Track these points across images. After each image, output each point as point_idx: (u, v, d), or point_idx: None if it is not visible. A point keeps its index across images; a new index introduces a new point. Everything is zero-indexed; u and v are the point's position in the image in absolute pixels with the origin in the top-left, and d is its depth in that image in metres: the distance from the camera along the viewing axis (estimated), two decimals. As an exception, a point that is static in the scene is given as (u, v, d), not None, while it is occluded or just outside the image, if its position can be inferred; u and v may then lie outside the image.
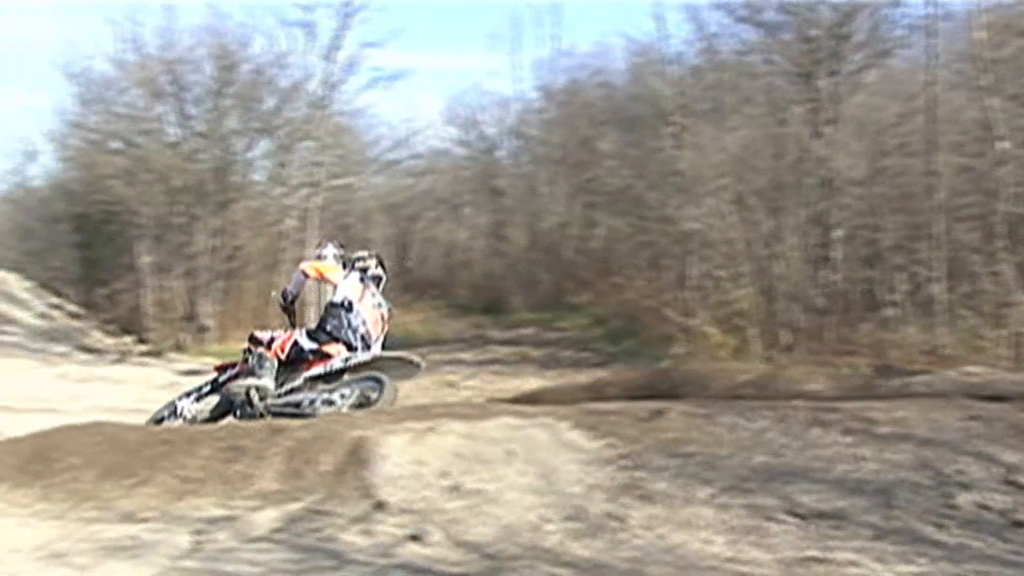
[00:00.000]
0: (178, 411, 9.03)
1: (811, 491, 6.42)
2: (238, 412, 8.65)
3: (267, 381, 8.57)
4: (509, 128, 31.62)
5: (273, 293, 9.71)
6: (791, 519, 6.11)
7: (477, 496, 6.44)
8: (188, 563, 5.61)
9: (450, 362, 18.82)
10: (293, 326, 9.08)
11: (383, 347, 9.01)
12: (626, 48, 27.20)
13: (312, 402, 8.40)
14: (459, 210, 32.29)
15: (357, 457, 6.88)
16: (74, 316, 24.44)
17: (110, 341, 22.85)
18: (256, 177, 24.35)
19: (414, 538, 5.91)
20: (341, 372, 8.58)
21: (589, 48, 34.40)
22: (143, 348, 21.89)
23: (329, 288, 9.15)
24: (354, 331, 8.74)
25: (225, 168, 22.96)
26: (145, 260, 23.65)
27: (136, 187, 22.99)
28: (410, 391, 9.90)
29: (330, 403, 8.38)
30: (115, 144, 24.05)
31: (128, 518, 6.33)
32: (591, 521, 6.14)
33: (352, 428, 7.31)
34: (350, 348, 8.67)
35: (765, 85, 19.50)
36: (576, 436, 7.34)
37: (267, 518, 6.23)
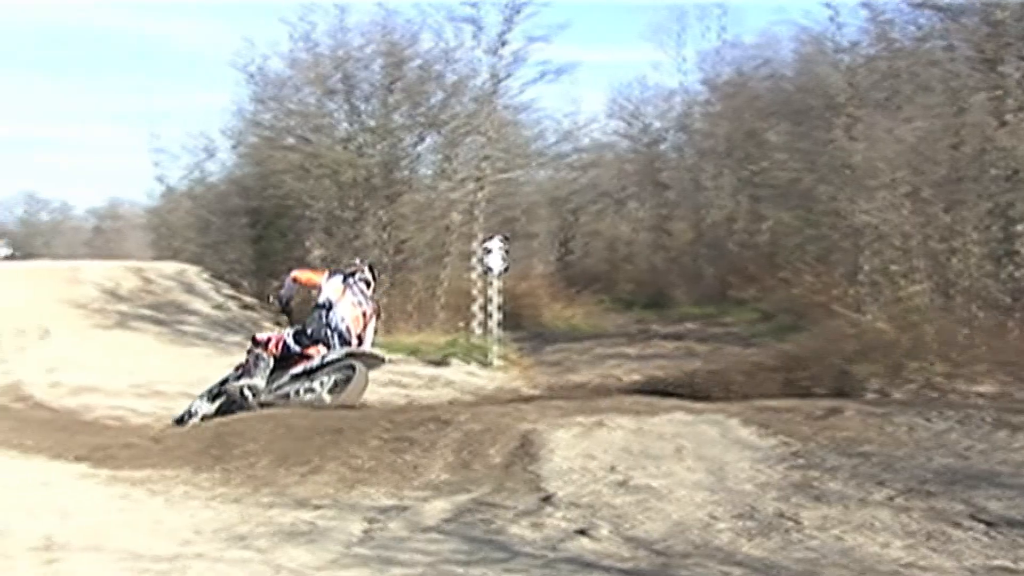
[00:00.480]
0: (192, 411, 10.03)
1: (999, 497, 6.13)
2: (235, 408, 9.47)
3: (258, 380, 9.54)
4: (673, 121, 31.49)
5: (270, 297, 10.39)
6: (977, 525, 5.84)
7: (646, 492, 6.38)
8: (361, 550, 5.70)
9: (613, 356, 18.67)
10: (291, 324, 10.03)
11: (372, 337, 10.04)
12: (795, 38, 26.82)
13: (297, 392, 9.40)
14: (623, 204, 32.19)
15: (526, 450, 6.91)
16: (248, 307, 24.59)
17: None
18: (423, 171, 24.47)
19: (583, 532, 5.89)
20: (321, 367, 9.48)
21: (755, 39, 33.14)
22: None
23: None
24: (333, 329, 9.67)
25: (393, 163, 23.01)
26: (315, 253, 23.76)
27: (307, 182, 23.32)
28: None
29: (311, 390, 9.42)
30: (288, 140, 24.36)
31: (303, 504, 6.48)
32: (763, 520, 6.01)
33: (521, 421, 7.35)
34: (328, 347, 9.56)
35: (944, 73, 18.60)
36: (747, 433, 7.21)
37: (437, 508, 6.30)
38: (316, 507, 6.37)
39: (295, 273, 10.24)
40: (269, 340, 9.85)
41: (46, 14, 71.44)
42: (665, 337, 21.41)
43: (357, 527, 6.01)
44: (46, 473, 7.17)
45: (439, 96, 23.29)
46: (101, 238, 55.12)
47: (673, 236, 28.98)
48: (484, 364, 17.27)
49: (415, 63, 23.23)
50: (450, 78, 23.27)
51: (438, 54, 23.26)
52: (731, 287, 24.92)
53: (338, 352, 9.55)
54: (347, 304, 9.86)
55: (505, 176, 24.33)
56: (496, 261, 17.90)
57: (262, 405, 9.33)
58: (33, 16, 72.78)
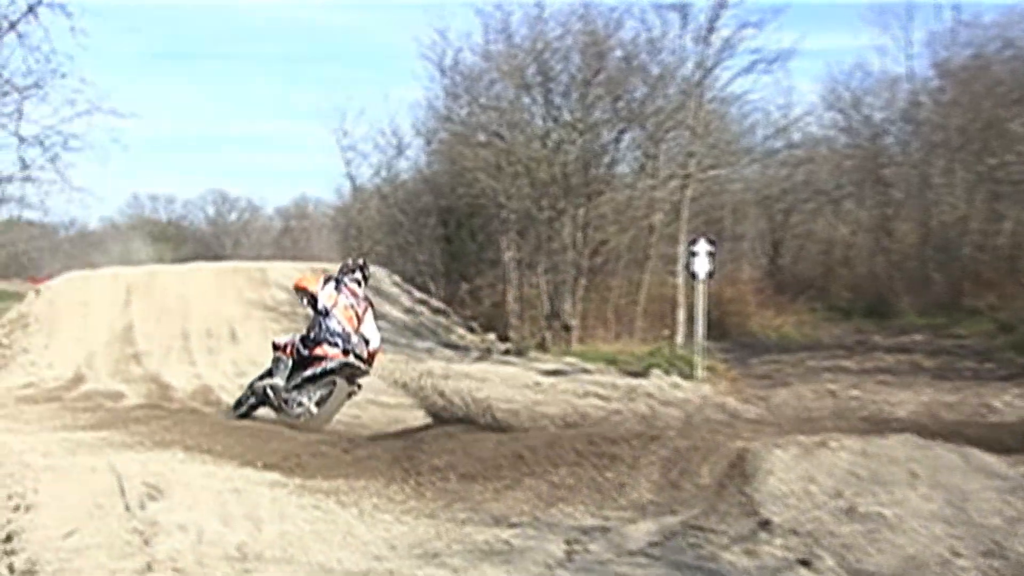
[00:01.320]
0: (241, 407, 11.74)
1: None
2: (261, 405, 11.25)
3: (279, 380, 11.08)
4: (898, 112, 30.37)
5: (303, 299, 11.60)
6: None
7: (875, 521, 6.10)
8: (562, 573, 5.64)
9: (830, 369, 18.09)
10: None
11: (374, 329, 11.48)
12: (1045, 14, 24.44)
13: (290, 403, 11.04)
14: (839, 203, 31.38)
15: (739, 470, 6.76)
16: (438, 312, 24.89)
17: (473, 338, 23.12)
18: (623, 169, 24.22)
19: (804, 563, 5.66)
20: (319, 376, 11.00)
21: (997, 16, 30.86)
22: (505, 346, 21.90)
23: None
24: (331, 332, 11.08)
25: (591, 160, 22.82)
26: (509, 255, 23.92)
27: (501, 180, 23.31)
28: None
29: (300, 404, 11.05)
30: (481, 137, 24.42)
31: (499, 522, 6.48)
32: (1013, 559, 5.62)
33: (734, 439, 7.20)
34: (331, 346, 10.97)
35: None
36: (993, 460, 6.82)
37: (643, 531, 6.18)
38: (513, 525, 6.35)
39: (295, 281, 11.95)
40: (286, 345, 11.27)
41: (235, 10, 75.12)
42: (887, 350, 20.60)
43: (557, 548, 5.95)
44: (237, 480, 7.41)
45: (642, 89, 22.91)
46: (288, 238, 56.50)
47: (896, 238, 27.97)
48: (688, 376, 17.03)
49: (617, 54, 22.95)
50: (654, 69, 22.92)
51: (642, 44, 22.93)
52: (964, 295, 24.15)
53: (335, 362, 11.02)
54: (340, 308, 11.26)
55: (712, 173, 23.62)
56: (702, 265, 17.59)
57: (278, 406, 11.10)
58: (221, 12, 76.69)
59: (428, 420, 10.55)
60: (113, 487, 6.97)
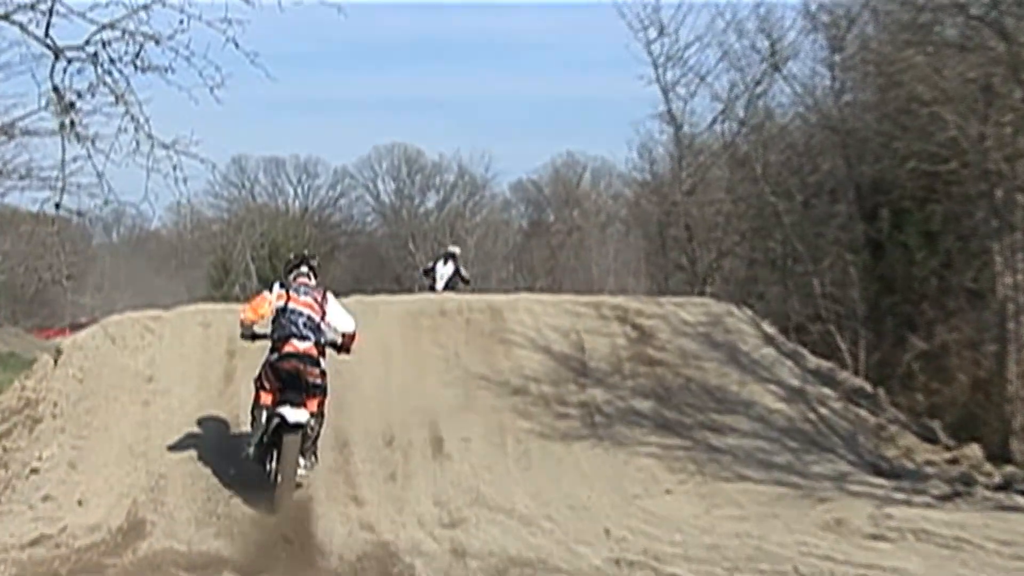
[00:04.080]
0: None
1: None
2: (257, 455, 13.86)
3: (251, 449, 13.47)
4: None
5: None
6: None
7: None
8: None
9: None
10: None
11: (344, 318, 13.67)
12: None
13: (268, 472, 13.63)
14: None
15: None
16: (856, 396, 19.77)
17: (933, 454, 18.87)
18: None
19: None
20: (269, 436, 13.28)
21: None
22: (1005, 474, 17.99)
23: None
24: (294, 323, 13.13)
25: None
26: (1010, 281, 20.01)
27: (997, 126, 19.78)
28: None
29: (271, 472, 13.51)
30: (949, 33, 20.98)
31: None
32: None
33: None
34: (300, 338, 13.07)
35: None
36: None
37: None
38: None
39: (242, 315, 13.83)
40: (260, 381, 13.19)
41: None
42: None
43: None
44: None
45: None
46: (544, 240, 60.09)
47: None
48: None
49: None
50: None
51: None
52: None
53: (263, 427, 13.08)
54: (299, 301, 13.22)
55: None
56: None
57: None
58: None
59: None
60: None
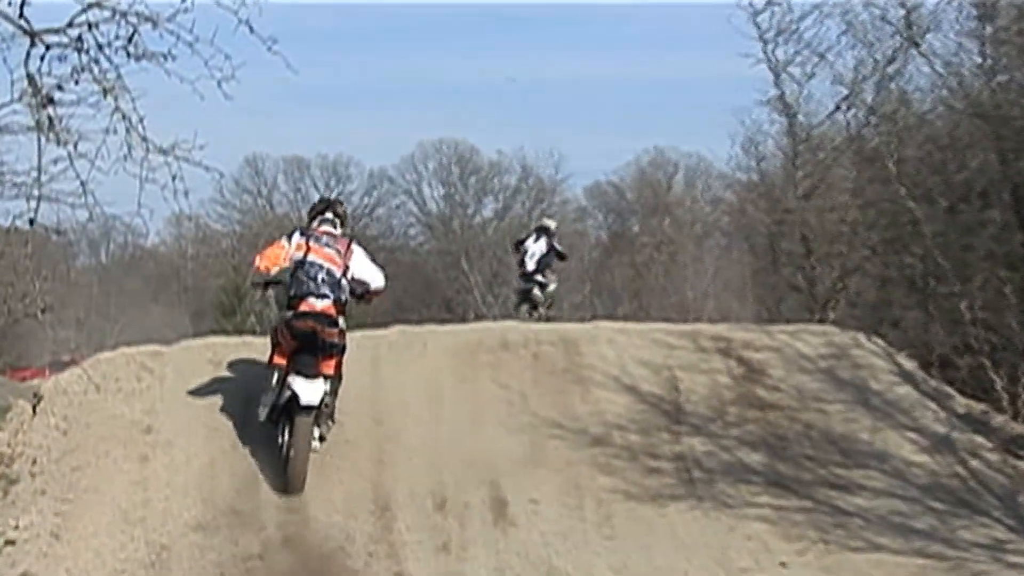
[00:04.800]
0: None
1: None
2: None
3: (262, 409, 14.91)
4: None
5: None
6: None
7: None
8: None
9: None
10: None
11: (371, 269, 15.09)
12: None
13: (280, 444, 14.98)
14: None
15: None
16: (1014, 445, 19.69)
17: None
18: None
19: None
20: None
21: None
22: None
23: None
24: (312, 278, 14.32)
25: None
26: None
27: None
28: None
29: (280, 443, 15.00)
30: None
31: None
32: None
33: None
34: (317, 296, 14.24)
35: None
36: None
37: None
38: None
39: (256, 263, 14.89)
40: (275, 338, 14.51)
41: None
42: None
43: None
44: None
45: None
46: (626, 252, 63.11)
47: None
48: None
49: None
50: None
51: None
52: None
53: (276, 392, 14.42)
54: (319, 253, 14.33)
55: None
56: None
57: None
58: None
59: None
60: None
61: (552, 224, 29.05)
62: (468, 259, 64.28)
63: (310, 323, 13.95)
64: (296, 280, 14.12)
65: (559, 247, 27.58)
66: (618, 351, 20.02)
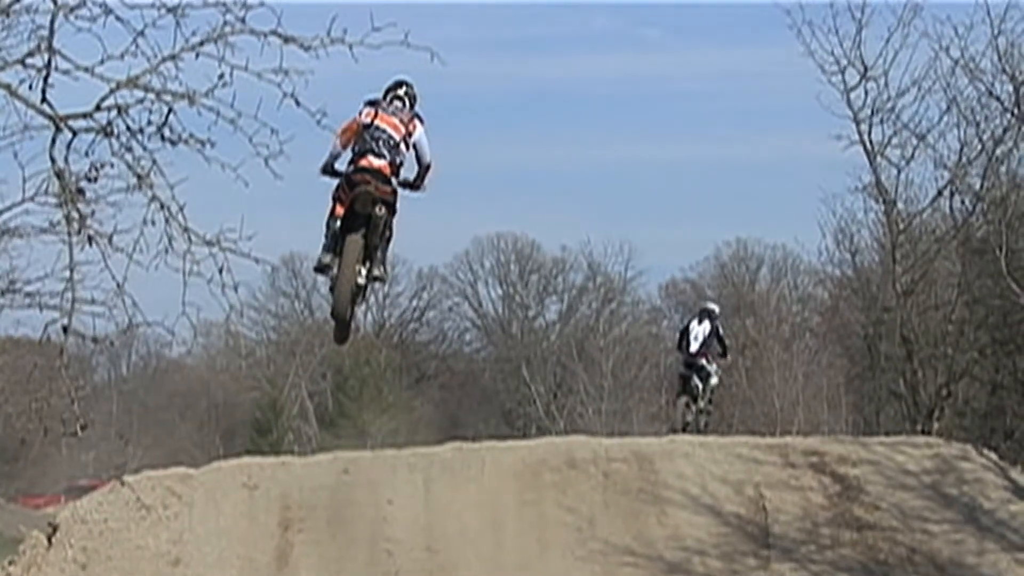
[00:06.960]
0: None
1: None
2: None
3: (326, 257, 15.47)
4: None
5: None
6: None
7: None
8: None
9: None
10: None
11: (424, 144, 15.77)
12: None
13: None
14: None
15: None
16: None
17: None
18: None
19: None
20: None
21: None
22: None
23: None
24: (375, 140, 15.33)
25: None
26: None
27: None
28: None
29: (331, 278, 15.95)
30: None
31: None
32: None
33: None
34: (376, 155, 15.28)
35: None
36: None
37: None
38: None
39: (334, 140, 15.53)
40: (336, 192, 15.28)
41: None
42: None
43: None
44: None
45: None
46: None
47: None
48: None
49: None
50: None
51: None
52: None
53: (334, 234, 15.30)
54: (384, 120, 15.31)
55: None
56: None
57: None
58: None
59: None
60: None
61: (715, 308, 29.77)
62: (529, 367, 64.04)
63: (366, 176, 14.85)
64: (361, 139, 14.97)
65: (722, 331, 27.78)
66: (697, 467, 20.24)
